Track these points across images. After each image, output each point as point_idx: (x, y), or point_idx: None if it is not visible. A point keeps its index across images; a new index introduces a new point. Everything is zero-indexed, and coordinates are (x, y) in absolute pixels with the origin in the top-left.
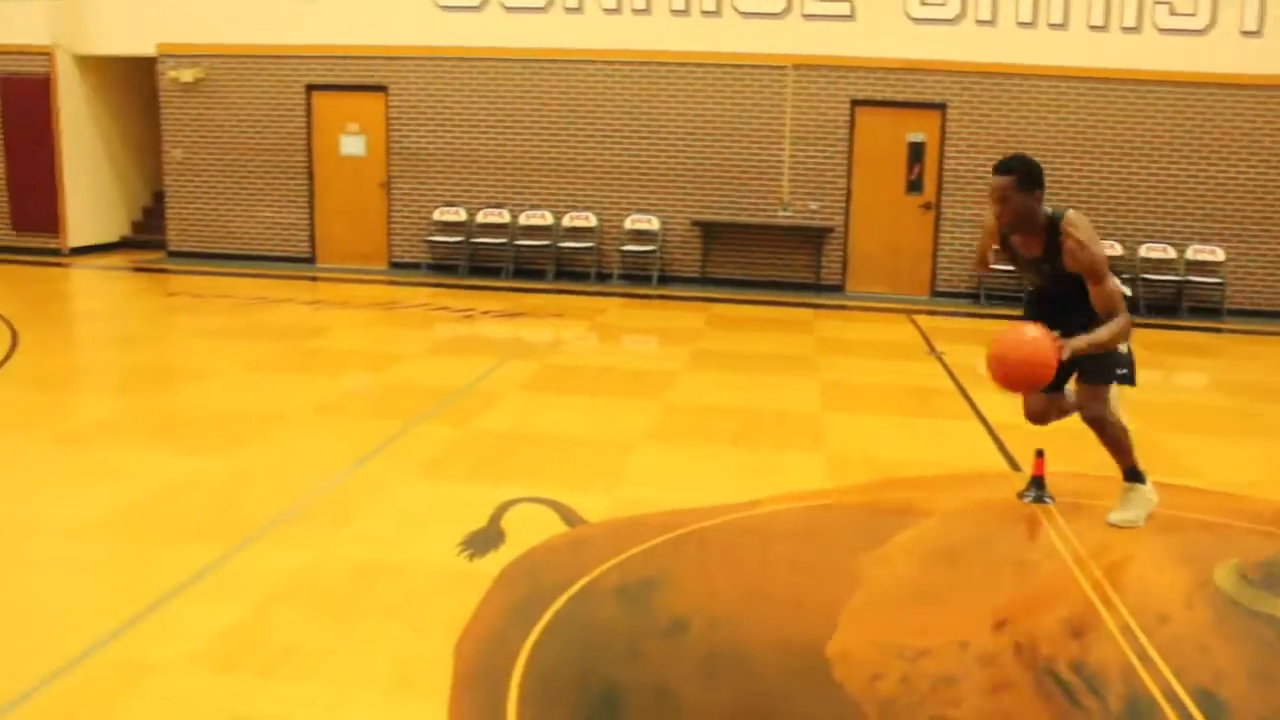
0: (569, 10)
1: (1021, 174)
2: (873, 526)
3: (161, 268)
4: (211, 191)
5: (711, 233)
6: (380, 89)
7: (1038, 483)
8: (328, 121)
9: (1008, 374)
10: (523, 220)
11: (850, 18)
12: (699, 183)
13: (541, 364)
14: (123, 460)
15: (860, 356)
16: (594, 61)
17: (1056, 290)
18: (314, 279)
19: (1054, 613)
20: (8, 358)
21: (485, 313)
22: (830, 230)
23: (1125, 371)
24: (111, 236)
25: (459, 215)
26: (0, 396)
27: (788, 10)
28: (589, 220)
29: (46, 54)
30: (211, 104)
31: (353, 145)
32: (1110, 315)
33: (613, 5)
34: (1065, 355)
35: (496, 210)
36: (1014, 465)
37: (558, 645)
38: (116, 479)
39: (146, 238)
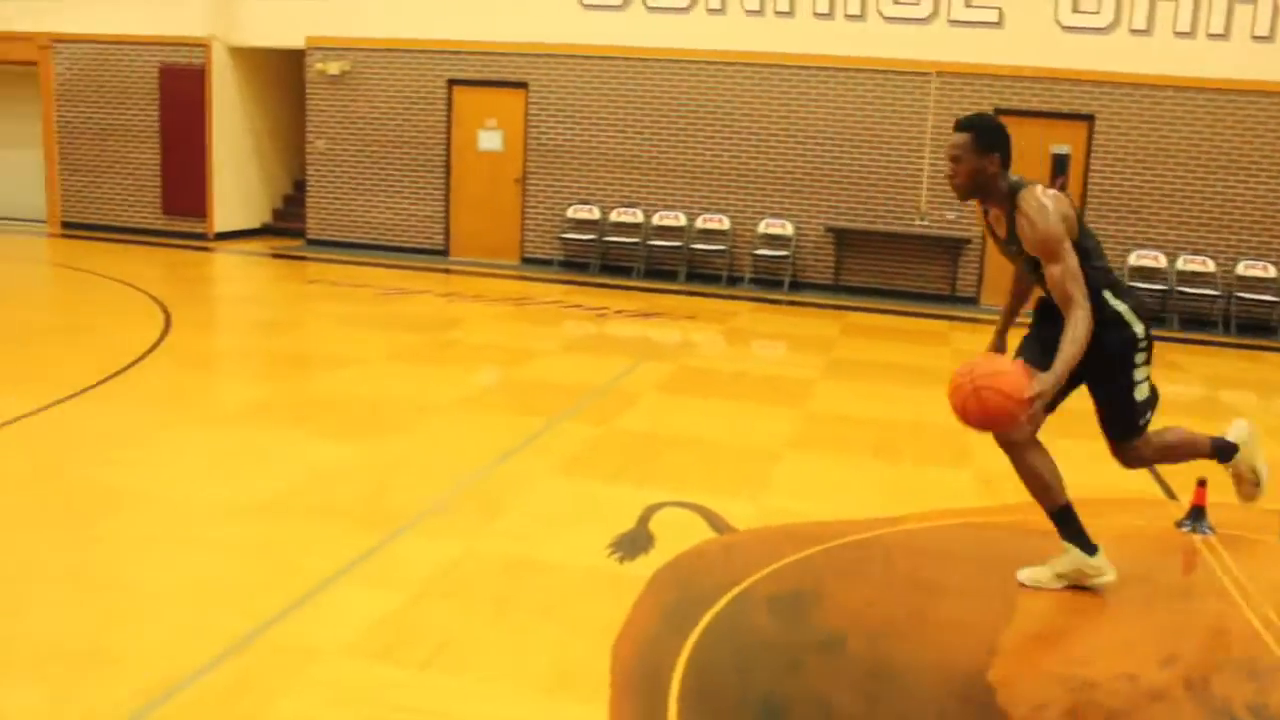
0: (711, 11)
1: (979, 132)
2: (1025, 548)
3: (300, 255)
4: (351, 182)
5: (845, 240)
6: (521, 85)
7: (1198, 513)
8: (467, 116)
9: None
10: (655, 220)
11: (998, 25)
12: (834, 189)
13: (677, 366)
14: (274, 444)
15: None
16: (734, 63)
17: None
18: (447, 271)
19: (1225, 650)
20: (162, 339)
21: (618, 312)
22: (967, 241)
23: (1149, 416)
24: (253, 223)
25: (592, 213)
26: (156, 377)
27: (934, 15)
28: (722, 223)
29: (203, 45)
30: (355, 96)
31: (490, 140)
32: (1066, 304)
33: (756, 6)
34: (1034, 399)
35: (630, 210)
36: (1170, 493)
37: (715, 653)
38: (270, 462)
39: (286, 225)
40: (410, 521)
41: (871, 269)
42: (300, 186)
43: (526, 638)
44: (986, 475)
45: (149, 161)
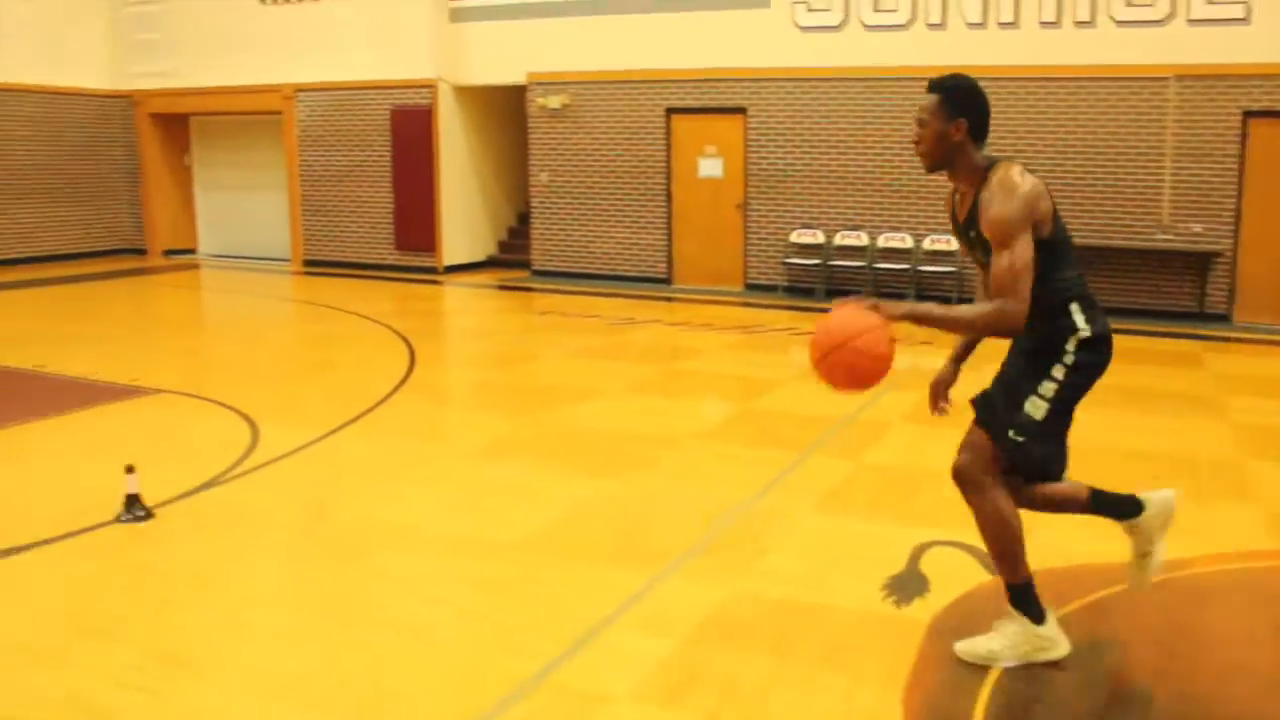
0: (931, 26)
1: (947, 93)
2: None
3: (527, 286)
4: (574, 213)
5: (1080, 257)
6: (739, 111)
7: None
8: (686, 144)
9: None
10: (881, 243)
11: (1244, 21)
12: (1066, 204)
13: (922, 394)
14: (526, 479)
15: (1273, 396)
16: None
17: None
18: (670, 299)
19: None
20: (409, 374)
21: None
22: (1217, 254)
23: (1021, 439)
24: (479, 256)
25: (816, 237)
26: (408, 412)
27: (1171, 16)
28: (949, 244)
29: (430, 86)
30: (576, 128)
31: (710, 167)
32: (1000, 294)
33: (978, 19)
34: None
35: (854, 233)
36: None
37: (1014, 707)
38: (527, 498)
39: (510, 257)
40: (674, 561)
41: (1108, 287)
42: (523, 219)
43: (811, 685)
44: (1276, 513)
45: (382, 200)
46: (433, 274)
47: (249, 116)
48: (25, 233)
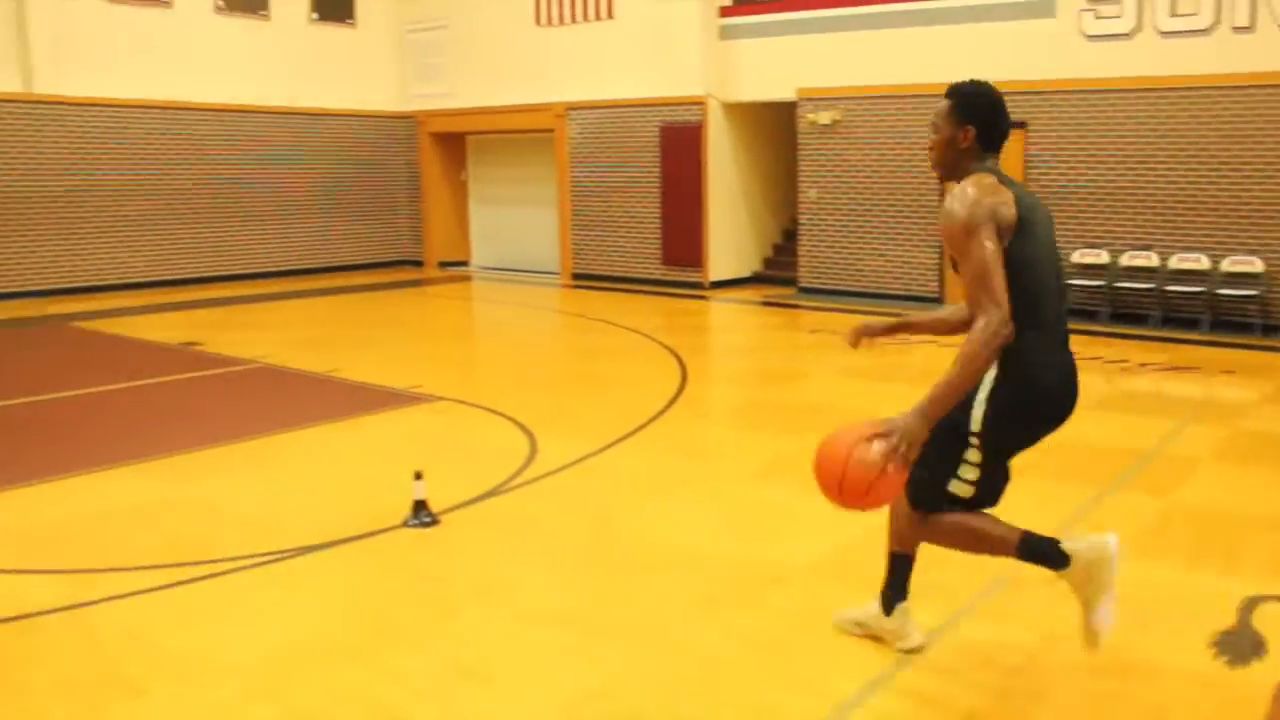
0: (1237, 30)
1: (958, 98)
2: None
3: (793, 303)
4: (842, 229)
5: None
6: (1018, 125)
7: None
8: None
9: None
10: (1172, 264)
11: None
12: None
13: (1230, 429)
14: (806, 503)
15: None
16: (1264, 86)
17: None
18: None
19: None
20: (681, 390)
21: (1142, 365)
22: None
23: (953, 509)
24: (744, 272)
25: (1100, 258)
26: (682, 428)
27: None
28: (1254, 265)
29: (700, 103)
30: (846, 144)
31: None
32: (975, 306)
33: None
34: (891, 437)
35: (1143, 253)
36: None
37: None
38: (806, 522)
39: (775, 273)
40: (969, 600)
41: None
42: (789, 235)
43: None
44: None
45: (650, 215)
46: (699, 289)
47: (522, 135)
48: (320, 243)
